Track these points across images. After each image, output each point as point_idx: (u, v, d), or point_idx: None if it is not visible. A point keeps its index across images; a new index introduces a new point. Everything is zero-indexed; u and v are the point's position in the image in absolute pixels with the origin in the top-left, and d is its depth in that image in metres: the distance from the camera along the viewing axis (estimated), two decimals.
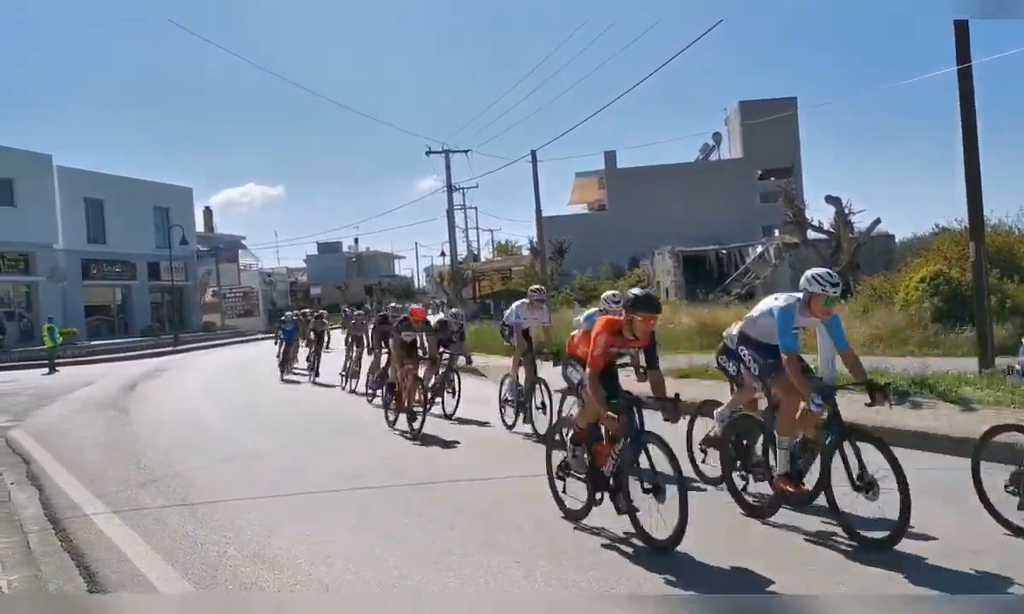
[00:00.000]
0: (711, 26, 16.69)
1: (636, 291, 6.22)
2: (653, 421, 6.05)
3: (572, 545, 5.93)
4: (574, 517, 6.44)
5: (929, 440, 8.74)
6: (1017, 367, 6.26)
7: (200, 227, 62.25)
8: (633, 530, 5.89)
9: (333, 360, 20.56)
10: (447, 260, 40.63)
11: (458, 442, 10.55)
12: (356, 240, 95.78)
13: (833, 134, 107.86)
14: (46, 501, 8.08)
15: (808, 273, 6.21)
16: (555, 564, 5.52)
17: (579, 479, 6.47)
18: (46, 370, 28.17)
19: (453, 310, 15.64)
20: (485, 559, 5.69)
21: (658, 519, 5.60)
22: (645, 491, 5.73)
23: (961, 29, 12.60)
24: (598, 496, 6.23)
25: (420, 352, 12.11)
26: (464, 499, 7.53)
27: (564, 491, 6.62)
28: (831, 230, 13.27)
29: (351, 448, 10.83)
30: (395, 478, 8.55)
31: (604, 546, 5.91)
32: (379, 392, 13.77)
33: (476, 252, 69.09)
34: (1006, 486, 5.78)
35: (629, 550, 5.78)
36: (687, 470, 6.60)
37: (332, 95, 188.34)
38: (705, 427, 7.49)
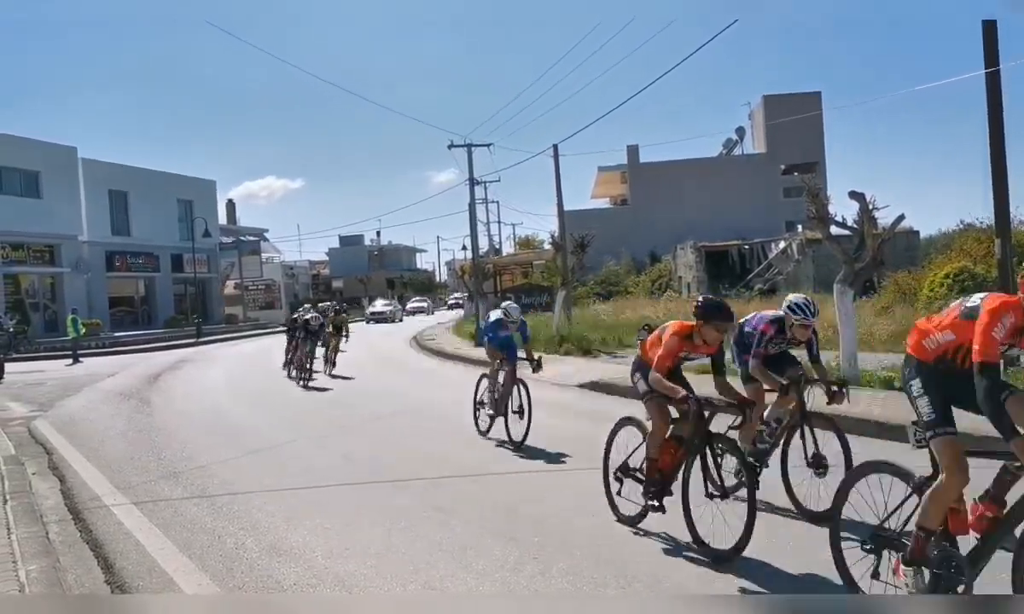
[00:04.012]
0: (725, 26, 16.64)
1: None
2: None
3: (590, 541, 5.90)
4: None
5: None
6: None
7: (223, 220, 62.64)
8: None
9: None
10: (469, 254, 40.66)
11: (476, 439, 10.51)
12: (378, 233, 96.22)
13: (858, 128, 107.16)
14: (67, 491, 8.15)
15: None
16: (572, 559, 5.49)
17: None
18: (70, 361, 28.44)
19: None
20: (502, 554, 5.67)
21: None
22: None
23: (989, 28, 12.53)
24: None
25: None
26: (483, 494, 7.52)
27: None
28: (855, 226, 13.10)
29: (372, 441, 10.85)
30: (415, 472, 8.54)
31: (621, 542, 5.87)
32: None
33: (498, 246, 69.12)
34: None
35: (646, 546, 5.75)
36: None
37: (352, 88, 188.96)
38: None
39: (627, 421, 6.63)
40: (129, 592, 5.20)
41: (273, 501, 7.50)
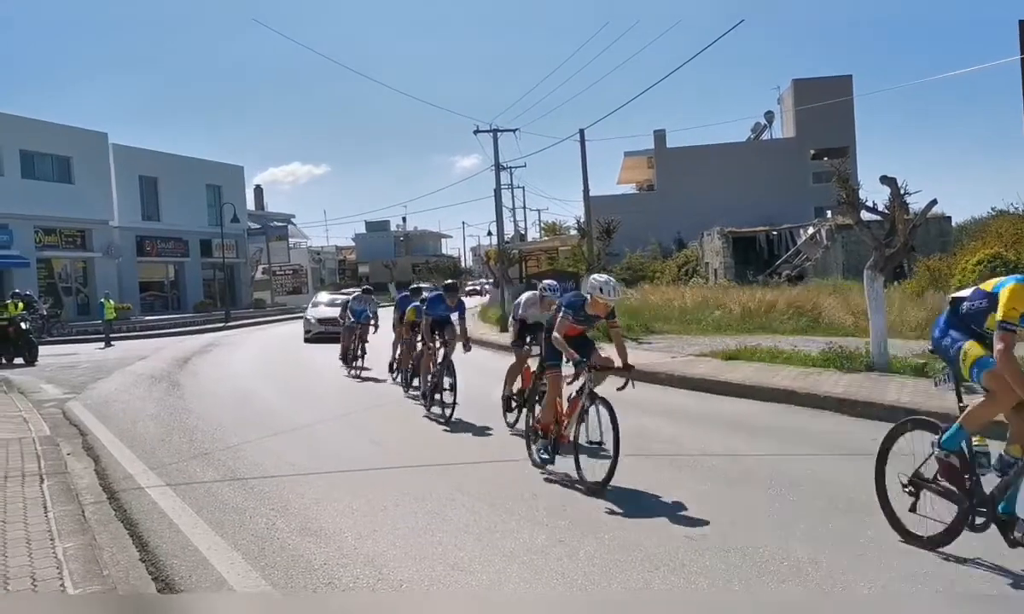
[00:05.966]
0: (753, 11, 16.47)
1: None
2: None
3: (616, 526, 5.92)
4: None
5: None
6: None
7: (251, 205, 63.07)
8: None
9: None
10: (494, 239, 40.69)
11: (501, 425, 10.51)
12: (404, 219, 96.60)
13: (891, 114, 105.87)
14: (101, 472, 8.29)
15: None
16: (599, 543, 5.52)
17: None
18: (102, 344, 28.81)
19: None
20: (529, 537, 5.71)
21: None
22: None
23: None
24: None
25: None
26: (510, 479, 7.55)
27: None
28: (886, 211, 12.97)
29: (400, 426, 10.92)
30: (442, 456, 8.60)
31: (648, 528, 5.88)
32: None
33: (523, 232, 69.03)
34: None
35: (674, 533, 5.75)
36: None
37: (376, 74, 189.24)
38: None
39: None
40: (163, 570, 5.28)
41: (302, 482, 7.59)
